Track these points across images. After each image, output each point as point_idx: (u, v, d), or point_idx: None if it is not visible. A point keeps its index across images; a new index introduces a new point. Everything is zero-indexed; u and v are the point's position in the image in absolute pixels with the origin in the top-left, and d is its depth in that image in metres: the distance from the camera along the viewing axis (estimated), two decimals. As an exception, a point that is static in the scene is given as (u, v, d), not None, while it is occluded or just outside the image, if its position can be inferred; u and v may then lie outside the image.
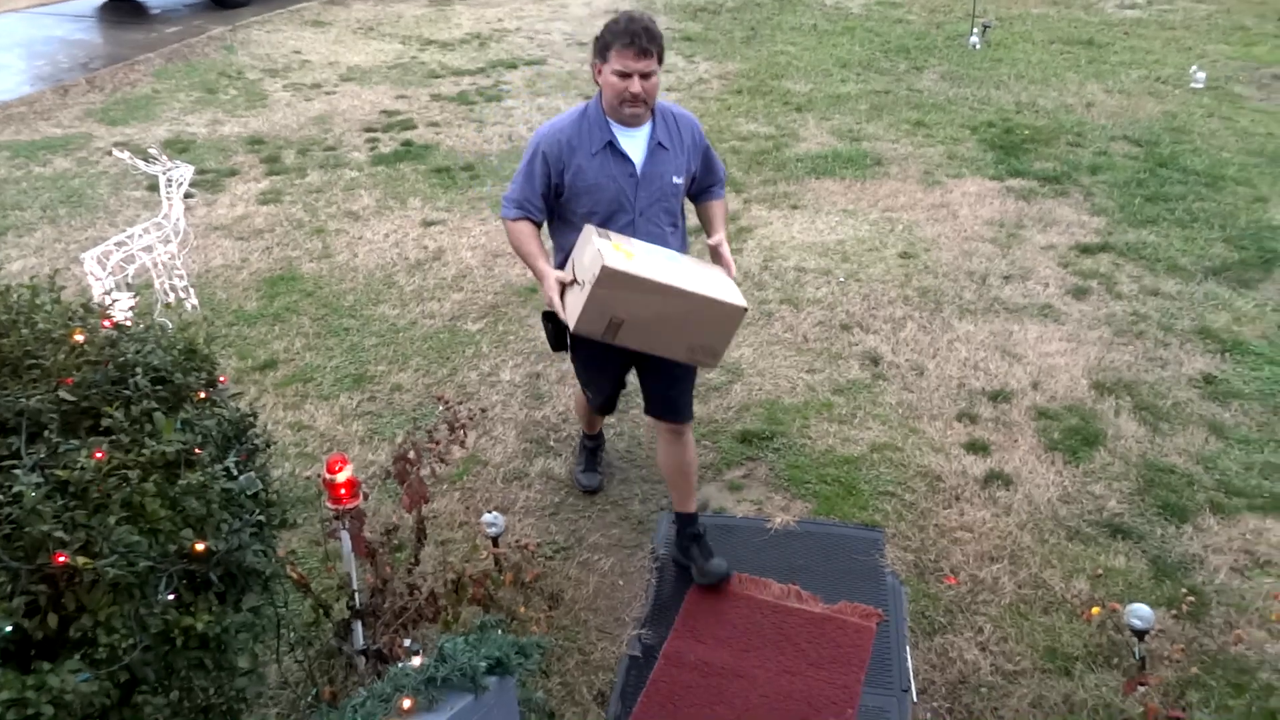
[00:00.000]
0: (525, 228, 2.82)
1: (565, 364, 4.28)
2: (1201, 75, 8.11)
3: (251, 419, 1.83)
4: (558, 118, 2.81)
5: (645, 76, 2.59)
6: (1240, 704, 2.13)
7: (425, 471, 2.54)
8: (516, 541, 2.78)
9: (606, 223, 2.72)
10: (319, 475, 2.94)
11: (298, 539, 3.16)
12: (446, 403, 2.66)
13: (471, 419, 2.71)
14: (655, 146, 2.74)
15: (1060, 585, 3.03)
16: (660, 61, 2.63)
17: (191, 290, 4.67)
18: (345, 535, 2.34)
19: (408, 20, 11.31)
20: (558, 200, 2.81)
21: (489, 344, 4.45)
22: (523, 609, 2.61)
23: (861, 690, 2.68)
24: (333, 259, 5.29)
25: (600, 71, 2.67)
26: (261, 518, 1.60)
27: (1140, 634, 2.57)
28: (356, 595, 2.38)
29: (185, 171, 4.63)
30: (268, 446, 1.86)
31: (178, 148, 6.97)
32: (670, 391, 2.97)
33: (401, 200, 6.06)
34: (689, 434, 3.06)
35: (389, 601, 2.43)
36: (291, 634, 2.31)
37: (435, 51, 9.79)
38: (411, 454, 2.40)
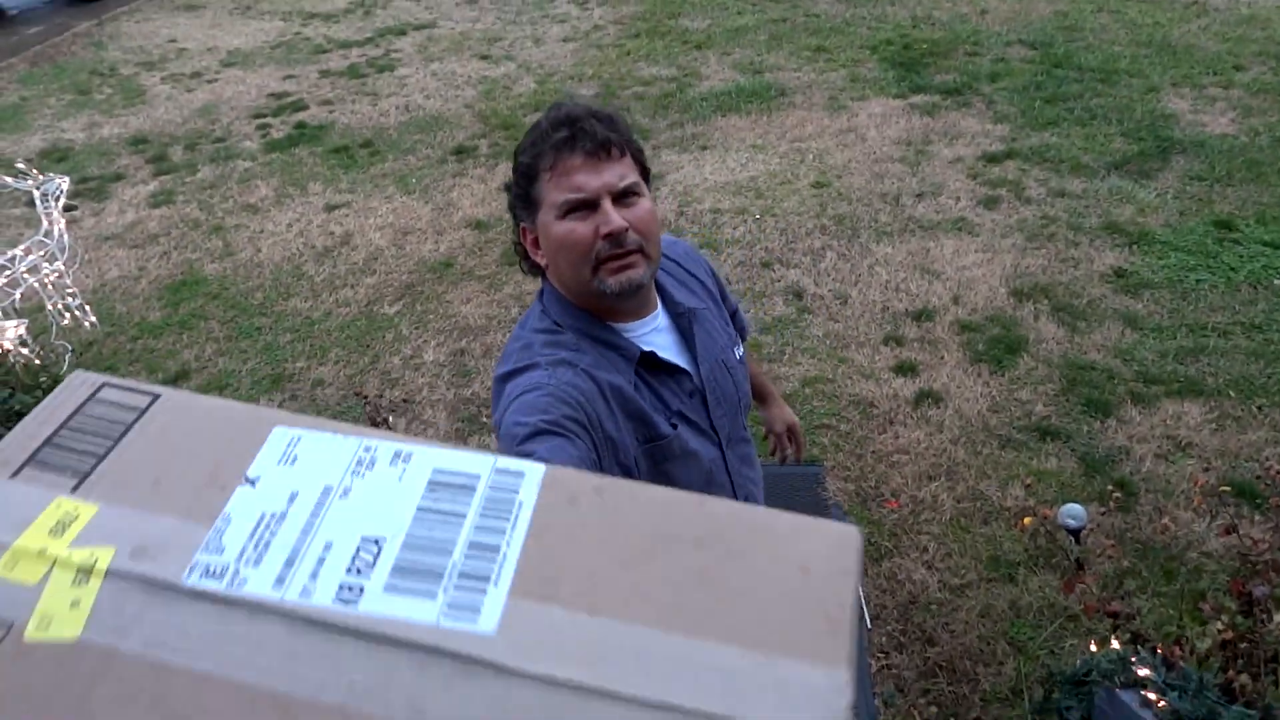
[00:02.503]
0: None
1: (490, 337, 4.20)
2: (1088, -29, 8.18)
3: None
4: (519, 358, 1.32)
5: (621, 198, 1.28)
6: (1172, 589, 2.21)
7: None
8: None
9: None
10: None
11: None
12: (366, 398, 2.57)
13: (394, 411, 2.63)
14: (682, 320, 1.43)
15: (997, 494, 3.09)
16: (644, 172, 1.35)
17: (88, 308, 4.44)
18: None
19: (286, -5, 10.80)
20: None
21: (409, 326, 4.34)
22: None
23: (816, 625, 2.71)
24: (235, 257, 5.08)
25: (532, 234, 1.36)
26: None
27: (1075, 533, 2.64)
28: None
29: (59, 184, 4.37)
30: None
31: (55, 157, 6.59)
32: None
33: (301, 186, 5.83)
34: None
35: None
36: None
37: (319, 25, 9.39)
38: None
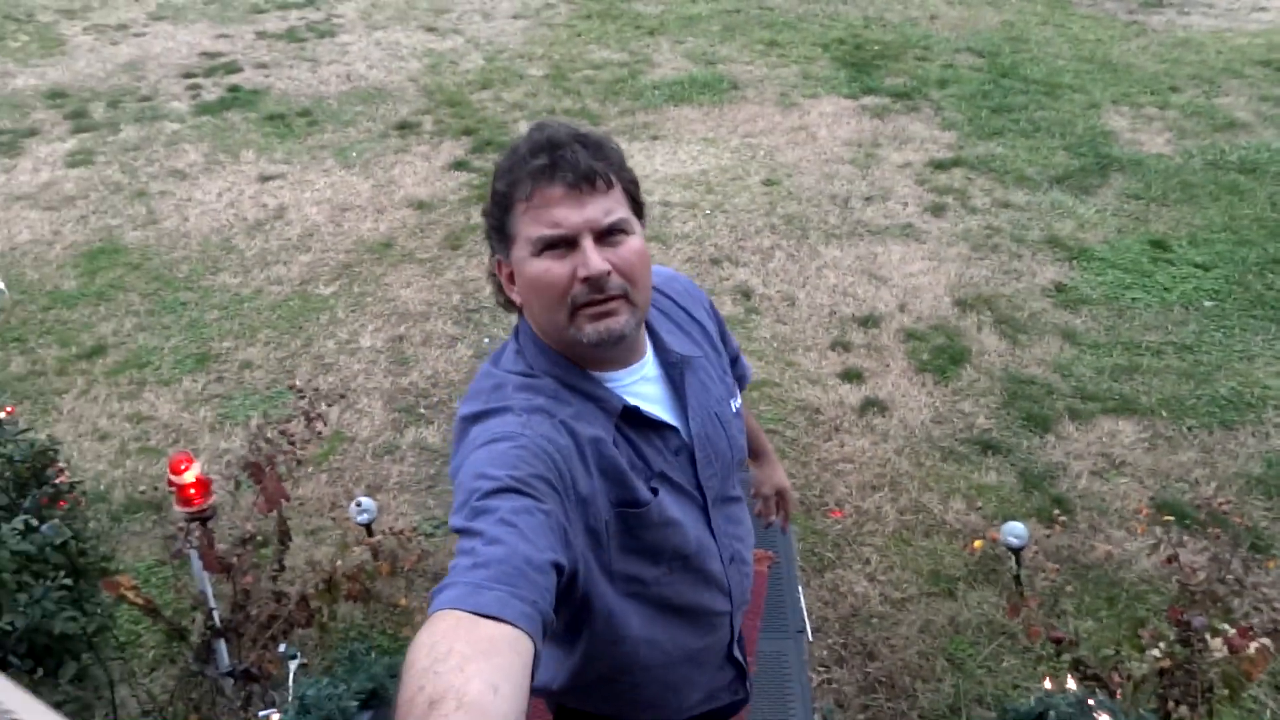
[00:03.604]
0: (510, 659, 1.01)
1: (430, 324, 4.06)
2: (1036, -17, 8.32)
3: (53, 452, 1.58)
4: (490, 398, 1.18)
5: (606, 235, 1.14)
6: (1112, 613, 2.24)
7: (283, 469, 2.33)
8: (390, 528, 2.62)
9: (682, 570, 1.29)
10: (165, 475, 2.68)
11: (148, 548, 2.89)
12: (300, 391, 2.44)
13: (329, 404, 2.50)
14: (673, 370, 1.29)
15: (939, 507, 3.11)
16: (636, 205, 1.20)
17: (-5, 273, 4.16)
18: (194, 553, 2.12)
19: (221, -52, 10.31)
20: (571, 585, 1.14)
21: (345, 308, 4.17)
22: (404, 600, 2.46)
23: (758, 636, 2.68)
24: (160, 225, 4.82)
25: (507, 268, 1.22)
26: (68, 581, 1.38)
27: (1016, 551, 2.66)
28: (215, 613, 2.18)
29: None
30: (71, 489, 1.61)
31: (-38, 107, 6.16)
32: None
33: (233, 154, 5.56)
34: None
35: (255, 612, 2.23)
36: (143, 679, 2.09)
37: (256, -17, 8.97)
38: (264, 457, 2.18)
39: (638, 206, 1.20)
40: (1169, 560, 2.13)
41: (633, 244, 1.15)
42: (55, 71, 6.81)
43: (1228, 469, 3.24)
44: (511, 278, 1.20)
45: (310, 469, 3.26)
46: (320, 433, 2.44)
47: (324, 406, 2.49)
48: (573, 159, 1.11)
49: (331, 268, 4.46)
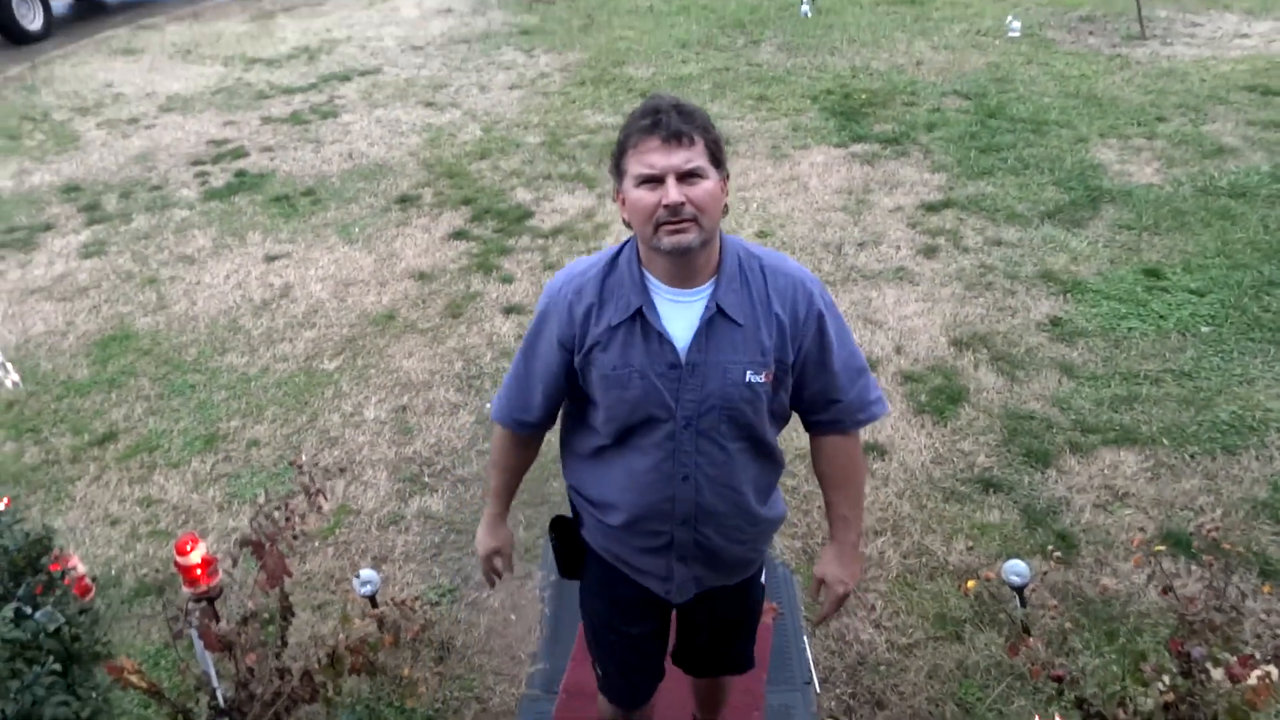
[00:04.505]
0: (502, 439, 1.97)
1: (432, 392, 4.13)
2: (1017, 25, 8.49)
3: (47, 540, 1.63)
4: (576, 263, 1.81)
5: (686, 177, 1.56)
6: (1115, 647, 2.22)
7: (286, 544, 2.37)
8: (393, 599, 2.64)
9: (629, 436, 1.76)
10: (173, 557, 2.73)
11: (157, 631, 2.93)
12: (300, 467, 2.48)
13: (329, 478, 2.55)
14: (714, 317, 1.68)
15: (942, 549, 3.10)
16: (715, 160, 1.62)
17: (10, 366, 4.27)
18: (195, 633, 2.15)
19: (229, 39, 10.71)
20: (576, 388, 1.82)
21: (349, 381, 4.24)
22: (408, 670, 2.48)
23: (765, 690, 2.67)
24: (169, 310, 4.94)
25: (622, 198, 1.66)
26: (58, 667, 1.42)
27: (1019, 589, 2.64)
28: (219, 693, 2.20)
29: (-18, 239, 4.21)
30: (64, 575, 1.66)
31: (-20, 206, 6.38)
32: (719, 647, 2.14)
33: (240, 236, 5.72)
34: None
35: (259, 691, 2.25)
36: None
37: (262, 70, 9.30)
38: (265, 535, 2.22)
39: (717, 161, 1.61)
40: (1164, 591, 2.12)
41: (705, 185, 1.58)
42: (70, 166, 7.06)
43: (1233, 495, 3.22)
44: (624, 203, 1.65)
45: (316, 543, 3.30)
46: (322, 509, 2.49)
47: (327, 481, 2.54)
48: (667, 121, 1.57)
49: (335, 342, 4.55)
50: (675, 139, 1.57)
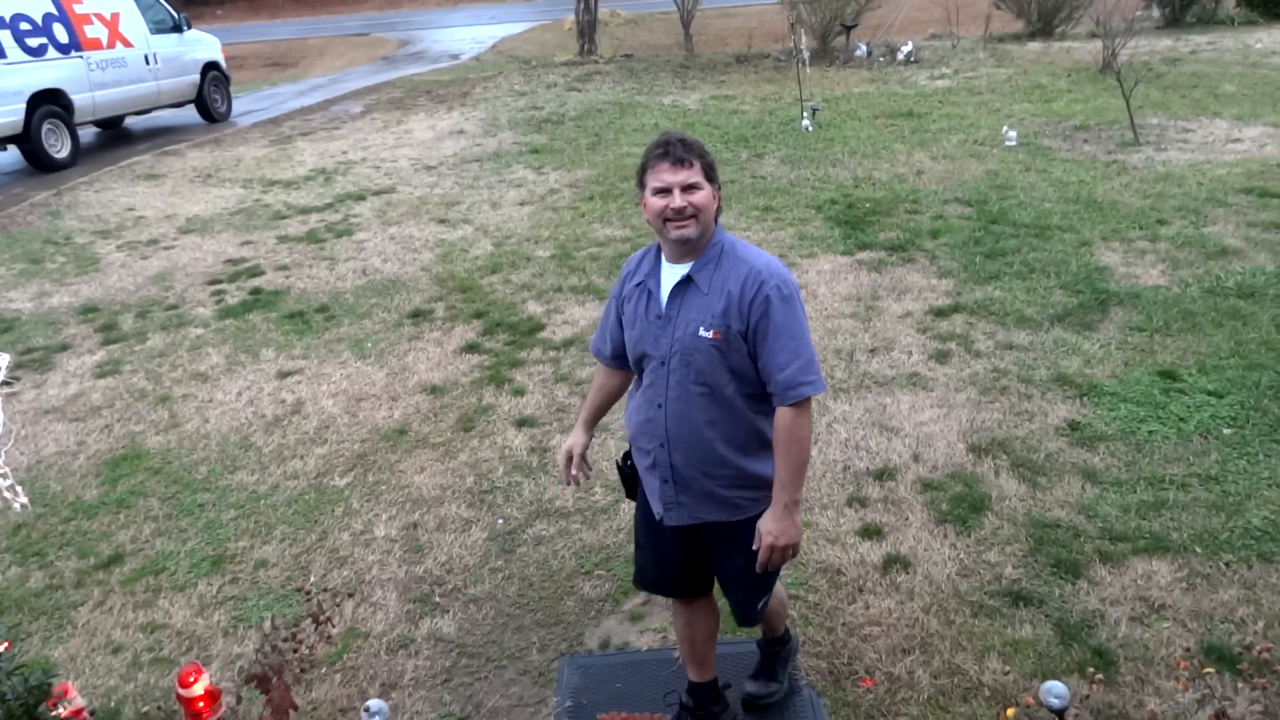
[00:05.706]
0: (598, 372, 2.71)
1: (444, 508, 4.06)
2: (1013, 134, 8.73)
3: (45, 687, 1.57)
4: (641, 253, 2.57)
5: (687, 189, 2.24)
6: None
7: (292, 675, 2.28)
8: (403, 731, 2.52)
9: (640, 371, 2.45)
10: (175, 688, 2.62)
11: (155, 768, 2.79)
12: (308, 594, 2.42)
13: (338, 602, 2.47)
14: (683, 283, 2.33)
15: (974, 668, 2.96)
16: (709, 177, 2.28)
17: (19, 489, 4.22)
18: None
19: (248, 163, 11.09)
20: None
21: (359, 499, 4.19)
22: (417, 810, 2.34)
23: (795, 826, 2.51)
24: (181, 428, 4.94)
25: (644, 203, 2.34)
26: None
27: (1059, 713, 2.51)
28: (218, 841, 2.08)
29: (-1, 362, 4.24)
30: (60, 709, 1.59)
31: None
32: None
33: (253, 353, 5.76)
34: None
35: (260, 836, 2.13)
36: None
37: (279, 192, 9.59)
38: (270, 667, 2.14)
39: (710, 177, 2.29)
40: (1217, 717, 2.00)
41: (701, 194, 2.26)
42: (89, 288, 7.19)
43: (1273, 606, 3.09)
44: (645, 206, 2.33)
45: (323, 669, 3.18)
46: (329, 636, 2.41)
47: (335, 605, 2.46)
48: (674, 150, 2.25)
49: (346, 458, 4.51)
50: (680, 162, 2.24)
